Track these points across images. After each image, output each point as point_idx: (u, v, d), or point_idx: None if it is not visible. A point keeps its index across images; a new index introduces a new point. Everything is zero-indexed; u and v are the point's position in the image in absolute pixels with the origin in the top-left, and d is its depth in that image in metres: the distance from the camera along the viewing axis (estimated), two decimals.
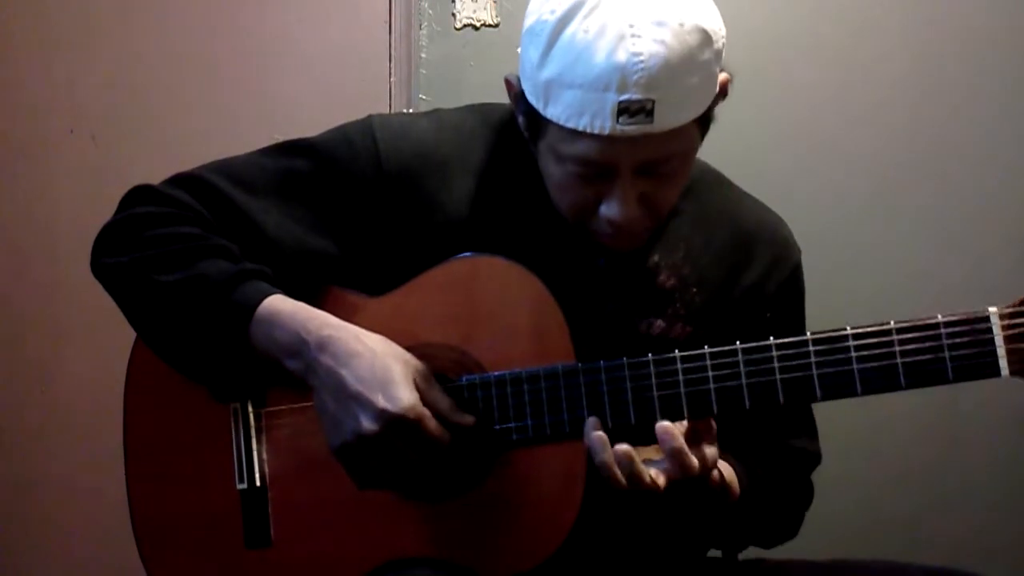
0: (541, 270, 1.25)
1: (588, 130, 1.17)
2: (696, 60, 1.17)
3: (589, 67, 1.15)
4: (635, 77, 1.14)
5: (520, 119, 1.28)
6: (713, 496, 1.26)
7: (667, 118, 1.17)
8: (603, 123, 1.16)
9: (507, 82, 1.28)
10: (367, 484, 1.23)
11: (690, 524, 1.35)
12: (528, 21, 1.22)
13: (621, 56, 1.14)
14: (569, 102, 1.17)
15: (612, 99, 1.15)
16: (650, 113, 1.15)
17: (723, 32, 1.21)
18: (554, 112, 1.19)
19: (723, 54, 1.22)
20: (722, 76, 1.24)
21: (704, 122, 1.24)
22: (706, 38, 1.18)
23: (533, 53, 1.20)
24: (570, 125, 1.18)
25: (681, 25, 1.16)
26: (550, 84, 1.18)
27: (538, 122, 1.23)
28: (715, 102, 1.24)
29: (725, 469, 1.28)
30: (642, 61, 1.14)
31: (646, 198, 1.23)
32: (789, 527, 1.45)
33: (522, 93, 1.24)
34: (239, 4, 2.20)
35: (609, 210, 1.23)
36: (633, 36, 1.14)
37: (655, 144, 1.19)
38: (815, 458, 1.45)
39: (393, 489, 1.25)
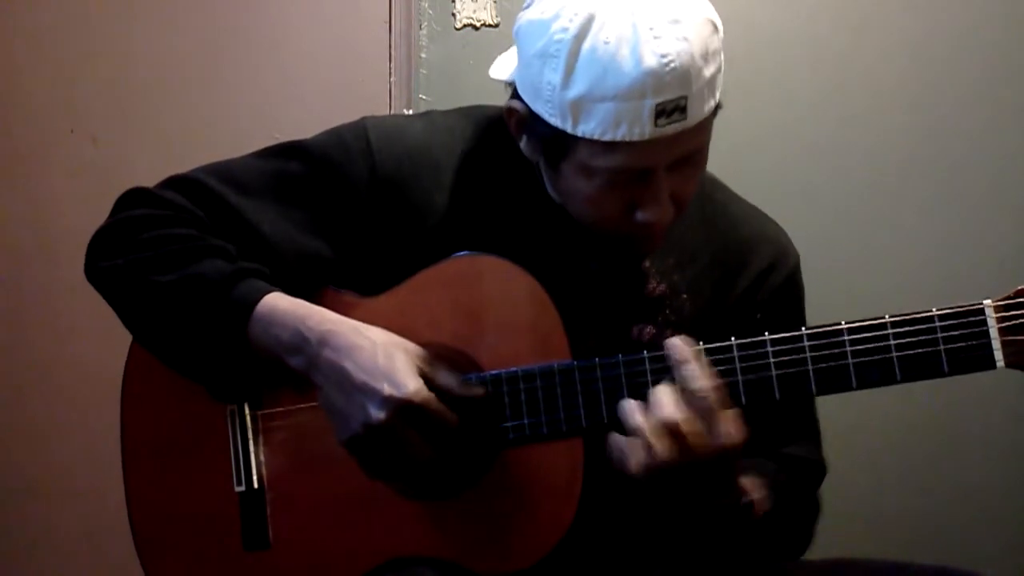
0: (533, 273, 1.25)
1: (627, 139, 1.17)
2: (711, 50, 1.18)
3: (620, 77, 1.15)
4: (668, 78, 1.14)
5: (526, 144, 1.28)
6: (738, 511, 1.25)
7: (697, 111, 1.18)
8: (642, 129, 1.16)
9: (509, 111, 1.27)
10: (378, 476, 1.23)
11: (711, 537, 1.32)
12: (535, 44, 1.19)
13: (650, 60, 1.14)
14: (603, 116, 1.16)
15: (649, 104, 1.15)
16: (684, 110, 1.16)
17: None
18: (587, 128, 1.18)
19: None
20: None
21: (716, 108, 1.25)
22: (714, 27, 1.20)
23: (552, 75, 1.18)
24: (607, 138, 1.17)
25: (694, 19, 1.17)
26: (579, 102, 1.17)
27: (563, 143, 1.22)
28: None
29: (751, 484, 1.26)
30: (671, 60, 1.14)
31: (674, 194, 1.24)
32: (800, 543, 1.40)
33: (533, 117, 1.23)
34: (239, 4, 2.20)
35: (648, 212, 1.23)
36: (655, 38, 1.14)
37: (687, 139, 1.20)
38: (819, 468, 1.41)
39: (402, 481, 1.24)
